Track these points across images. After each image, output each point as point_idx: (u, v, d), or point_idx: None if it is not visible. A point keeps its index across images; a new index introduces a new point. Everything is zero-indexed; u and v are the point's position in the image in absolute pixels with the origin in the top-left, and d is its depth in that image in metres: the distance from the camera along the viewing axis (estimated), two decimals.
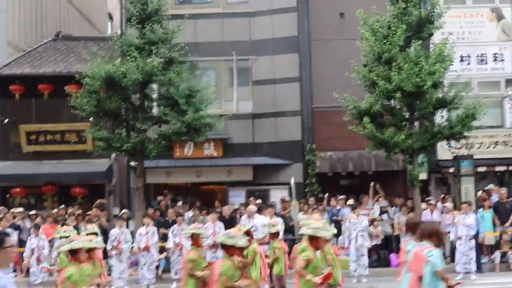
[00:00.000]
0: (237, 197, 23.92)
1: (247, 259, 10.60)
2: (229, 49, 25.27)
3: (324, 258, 10.12)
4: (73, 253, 9.42)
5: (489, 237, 20.70)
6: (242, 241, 8.96)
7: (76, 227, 19.23)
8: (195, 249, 11.07)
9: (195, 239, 11.11)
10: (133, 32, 22.35)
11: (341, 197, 21.82)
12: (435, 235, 8.90)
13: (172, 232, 18.72)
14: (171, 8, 23.95)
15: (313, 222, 10.59)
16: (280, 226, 15.78)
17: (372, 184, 22.88)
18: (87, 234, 12.65)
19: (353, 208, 20.03)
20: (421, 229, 9.36)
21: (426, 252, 8.62)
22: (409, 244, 10.29)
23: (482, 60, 26.76)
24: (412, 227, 10.54)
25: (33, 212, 22.39)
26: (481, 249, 20.22)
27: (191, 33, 24.41)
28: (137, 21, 21.90)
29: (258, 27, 25.75)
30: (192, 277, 10.38)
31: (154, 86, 21.89)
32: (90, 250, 10.17)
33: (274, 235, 13.75)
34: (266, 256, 13.05)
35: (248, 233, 11.21)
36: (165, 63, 21.17)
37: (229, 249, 8.72)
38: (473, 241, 19.03)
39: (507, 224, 20.31)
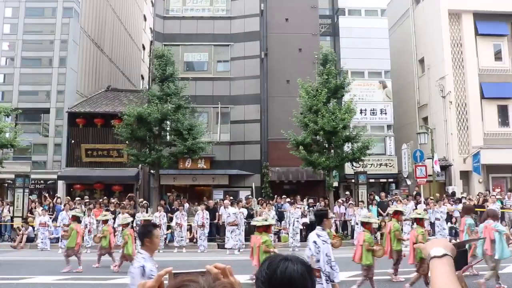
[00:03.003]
0: (218, 195, 23.58)
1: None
2: (216, 100, 25.05)
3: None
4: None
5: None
6: (273, 221, 10.36)
7: (114, 212, 18.89)
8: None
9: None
10: (156, 87, 22.13)
11: (284, 196, 21.58)
12: (495, 216, 9.85)
13: (176, 216, 18.35)
14: (181, 73, 23.82)
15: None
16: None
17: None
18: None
19: (291, 203, 19.86)
20: (487, 212, 10.13)
21: (494, 225, 9.48)
22: (467, 220, 11.22)
23: (373, 113, 26.94)
24: (468, 210, 11.72)
25: (87, 200, 21.98)
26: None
27: (193, 89, 24.17)
28: (159, 80, 21.79)
29: (235, 87, 25.56)
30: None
31: (168, 122, 21.54)
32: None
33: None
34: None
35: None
36: (175, 108, 20.98)
37: (267, 228, 9.35)
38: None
39: (384, 214, 20.16)
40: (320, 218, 6.96)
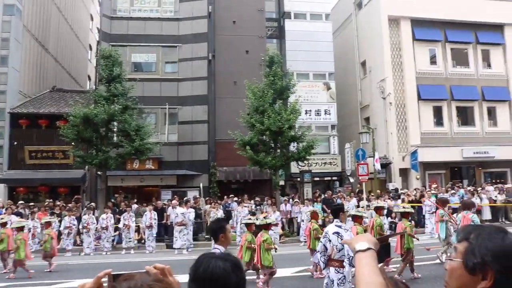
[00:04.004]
0: (166, 195, 23.37)
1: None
2: (164, 101, 24.89)
3: None
4: None
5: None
6: (271, 220, 10.94)
7: (60, 215, 18.43)
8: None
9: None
10: (102, 88, 21.71)
11: (231, 196, 21.71)
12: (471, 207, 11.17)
13: (123, 217, 18.09)
14: (128, 74, 23.43)
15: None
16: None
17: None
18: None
19: (239, 203, 20.03)
20: (466, 205, 11.47)
21: (471, 216, 10.72)
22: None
23: (318, 113, 27.52)
24: (468, 205, 11.70)
25: (32, 204, 21.23)
26: None
27: (141, 90, 23.88)
28: (105, 81, 21.38)
29: (183, 88, 25.49)
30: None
31: (115, 123, 21.17)
32: None
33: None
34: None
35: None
36: (122, 109, 20.68)
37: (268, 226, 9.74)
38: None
39: (329, 211, 20.59)
40: (337, 212, 7.48)
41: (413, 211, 15.40)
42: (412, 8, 27.55)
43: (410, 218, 12.27)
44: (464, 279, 1.44)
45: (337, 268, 6.88)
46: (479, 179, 27.80)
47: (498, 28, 29.47)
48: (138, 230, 19.13)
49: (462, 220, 10.81)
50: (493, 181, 27.25)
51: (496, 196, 22.66)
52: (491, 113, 28.85)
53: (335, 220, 7.39)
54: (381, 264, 1.96)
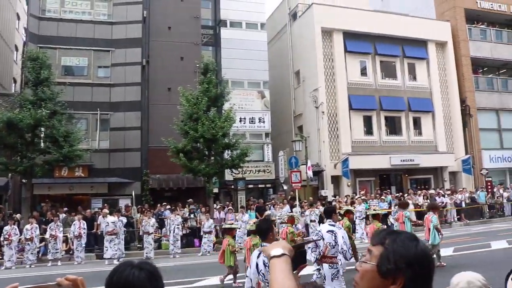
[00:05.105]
0: (97, 204, 22.69)
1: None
2: (96, 107, 24.17)
3: None
4: None
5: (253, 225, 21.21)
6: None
7: None
8: None
9: None
10: (29, 91, 20.79)
11: (164, 203, 21.39)
12: (435, 209, 12.44)
13: (50, 227, 17.29)
14: (58, 78, 22.67)
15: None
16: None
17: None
18: None
19: (172, 210, 19.77)
20: (430, 207, 12.76)
21: (431, 217, 11.84)
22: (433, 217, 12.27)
23: (252, 121, 27.75)
24: (433, 207, 12.69)
25: None
26: None
27: (71, 95, 23.11)
28: (32, 84, 20.53)
29: (116, 94, 24.91)
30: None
31: (42, 129, 20.25)
32: None
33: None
34: None
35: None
36: (50, 114, 19.94)
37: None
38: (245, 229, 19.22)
39: (263, 216, 20.68)
40: (330, 213, 8.14)
41: (381, 212, 16.75)
42: (345, 22, 28.50)
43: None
44: (375, 281, 1.49)
45: (330, 264, 7.33)
46: (405, 185, 29.09)
47: (422, 43, 31.14)
48: (66, 240, 18.35)
49: (425, 221, 12.26)
50: (418, 187, 28.63)
51: (419, 201, 23.97)
52: (417, 123, 30.33)
53: (328, 220, 7.98)
54: (297, 270, 1.99)
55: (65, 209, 20.91)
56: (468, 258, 12.13)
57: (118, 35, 25.55)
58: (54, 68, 22.45)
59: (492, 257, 12.44)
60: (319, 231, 7.82)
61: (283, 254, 1.61)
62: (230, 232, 11.25)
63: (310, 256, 7.77)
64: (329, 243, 7.38)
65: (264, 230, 5.68)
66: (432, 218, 11.98)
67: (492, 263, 10.94)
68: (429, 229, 11.79)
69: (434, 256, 11.39)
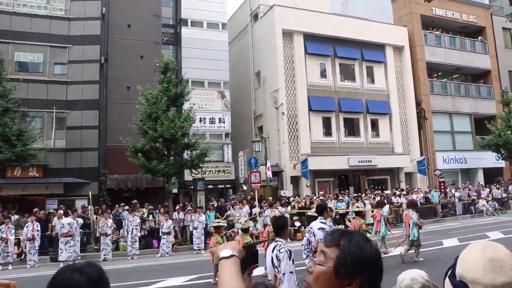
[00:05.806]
0: (52, 204, 22.08)
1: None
2: (51, 104, 23.57)
3: None
4: None
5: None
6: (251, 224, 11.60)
7: None
8: None
9: None
10: None
11: (122, 204, 21.06)
12: (414, 206, 13.25)
13: (0, 230, 16.69)
14: (11, 74, 21.91)
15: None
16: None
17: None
18: None
19: (130, 211, 19.49)
20: (409, 204, 13.63)
21: (411, 214, 12.62)
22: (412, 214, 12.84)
23: (212, 121, 27.67)
24: (412, 205, 13.40)
25: None
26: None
27: (25, 92, 22.42)
28: None
29: (72, 91, 24.35)
30: None
31: None
32: None
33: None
34: None
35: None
36: (2, 111, 19.27)
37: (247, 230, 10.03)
38: (203, 229, 19.18)
39: (224, 217, 20.70)
40: (321, 210, 8.54)
41: (364, 209, 17.77)
42: (305, 24, 28.81)
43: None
44: (331, 283, 1.47)
45: None
46: (363, 186, 29.68)
47: (380, 47, 31.88)
48: (18, 243, 17.77)
49: (405, 218, 13.07)
50: (375, 187, 29.27)
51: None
52: (374, 124, 31.02)
53: (319, 217, 8.34)
54: (248, 270, 2.00)
55: (15, 210, 20.29)
56: (420, 255, 12.50)
57: (76, 32, 24.97)
58: (6, 64, 21.74)
59: (443, 254, 12.92)
60: (311, 227, 8.16)
61: (232, 256, 1.60)
62: (218, 230, 11.18)
63: (303, 252, 8.12)
64: (321, 239, 7.54)
65: (281, 226, 5.96)
66: (412, 215, 12.56)
67: (442, 260, 11.39)
68: (409, 225, 12.44)
69: (414, 251, 12.55)
